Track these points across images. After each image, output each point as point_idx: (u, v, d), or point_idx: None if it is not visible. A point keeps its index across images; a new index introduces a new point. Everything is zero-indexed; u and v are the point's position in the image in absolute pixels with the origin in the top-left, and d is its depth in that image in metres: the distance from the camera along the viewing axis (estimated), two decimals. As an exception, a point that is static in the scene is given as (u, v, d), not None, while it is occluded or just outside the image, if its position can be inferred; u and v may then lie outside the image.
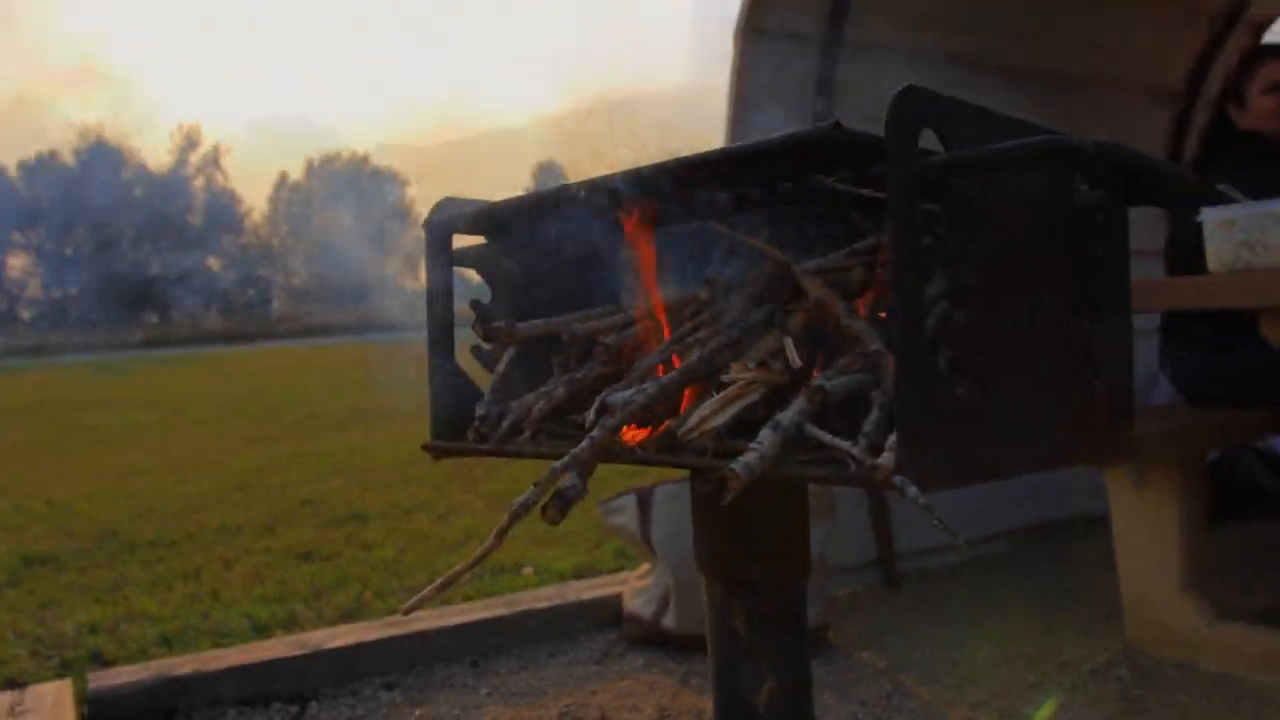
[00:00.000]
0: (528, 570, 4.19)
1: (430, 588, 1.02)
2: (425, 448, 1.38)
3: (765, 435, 0.92)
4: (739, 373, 1.01)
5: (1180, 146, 4.56)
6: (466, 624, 3.36)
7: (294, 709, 2.95)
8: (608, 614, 3.54)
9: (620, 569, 4.12)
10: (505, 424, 1.22)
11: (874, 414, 0.95)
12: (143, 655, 3.41)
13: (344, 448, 8.43)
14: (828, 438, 0.92)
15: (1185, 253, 3.09)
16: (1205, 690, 2.73)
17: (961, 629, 3.33)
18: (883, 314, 1.09)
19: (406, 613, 0.97)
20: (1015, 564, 3.96)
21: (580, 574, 4.03)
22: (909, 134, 0.88)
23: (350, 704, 3.01)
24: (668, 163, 1.02)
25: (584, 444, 1.01)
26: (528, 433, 1.17)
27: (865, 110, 3.13)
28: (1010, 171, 0.93)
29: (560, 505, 1.00)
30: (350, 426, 9.90)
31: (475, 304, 1.39)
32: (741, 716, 1.24)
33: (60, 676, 3.23)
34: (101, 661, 3.40)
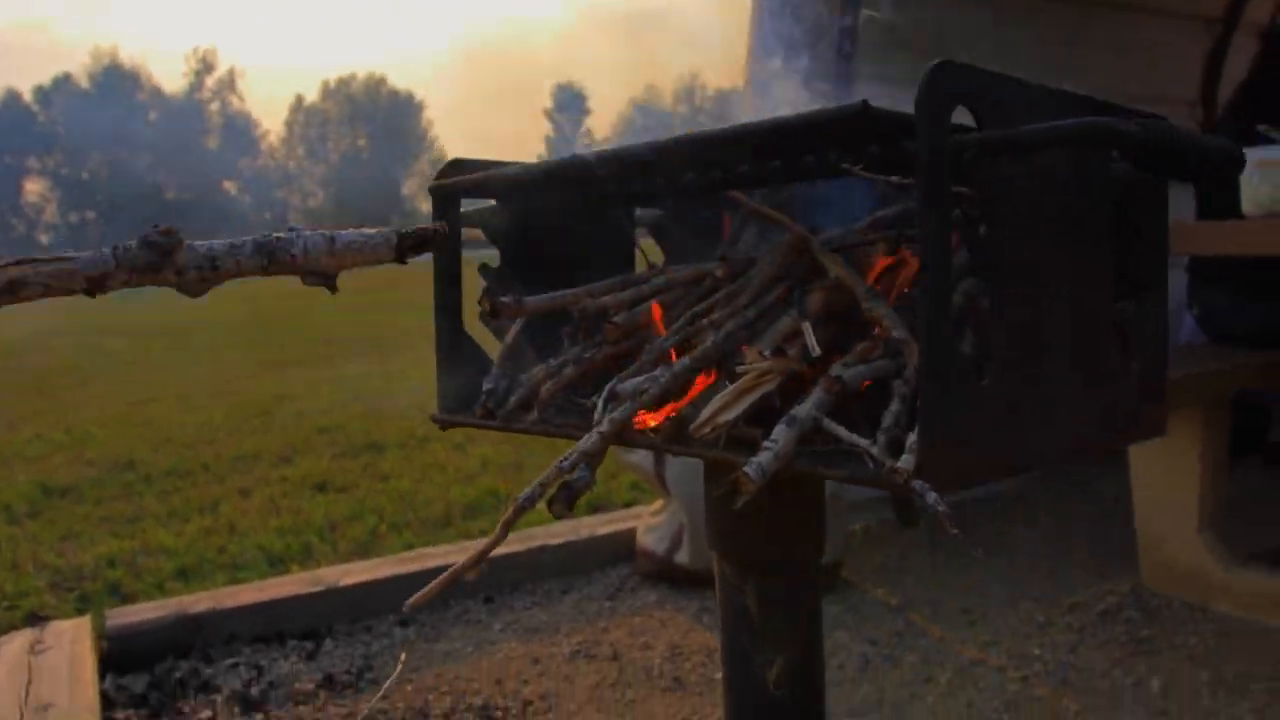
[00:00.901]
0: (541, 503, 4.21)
1: (434, 583, 1.00)
2: (433, 419, 1.35)
3: (780, 432, 0.88)
4: (754, 360, 0.97)
5: (1218, 71, 4.45)
6: (480, 560, 3.37)
7: (309, 645, 2.98)
8: (621, 549, 3.56)
9: (634, 503, 4.13)
10: (513, 400, 1.19)
11: (894, 405, 0.91)
12: (159, 590, 3.46)
13: (360, 374, 8.45)
14: (845, 434, 0.88)
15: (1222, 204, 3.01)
16: (1215, 633, 2.73)
17: (974, 567, 3.33)
18: (907, 289, 1.04)
19: (410, 609, 0.95)
20: (1031, 500, 3.95)
21: (595, 508, 4.04)
22: (940, 113, 0.82)
23: (365, 640, 3.04)
24: (679, 139, 0.96)
25: (591, 436, 0.98)
26: (536, 413, 1.13)
27: (896, 42, 3.05)
28: (1047, 153, 0.87)
29: (567, 498, 0.97)
30: (367, 353, 9.91)
31: (484, 269, 1.35)
32: (751, 694, 1.22)
33: (79, 610, 3.28)
34: (120, 595, 3.44)
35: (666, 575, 3.36)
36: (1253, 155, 2.45)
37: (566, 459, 0.98)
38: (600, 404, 1.00)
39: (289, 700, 2.63)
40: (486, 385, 1.25)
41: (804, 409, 0.91)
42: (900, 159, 0.95)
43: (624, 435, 1.00)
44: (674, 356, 1.03)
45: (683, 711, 2.50)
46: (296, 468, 5.14)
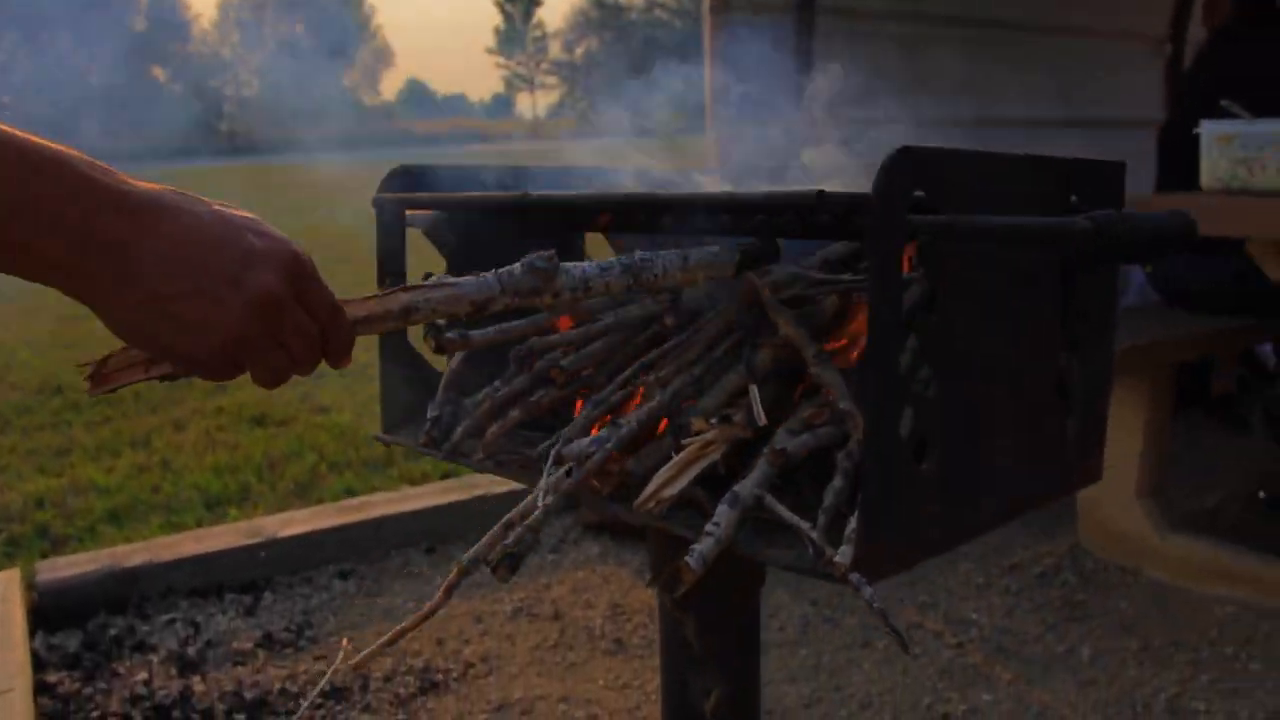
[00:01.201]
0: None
1: (378, 643, 1.02)
2: (375, 438, 1.35)
3: (722, 514, 0.90)
4: (700, 428, 0.98)
5: (1188, 7, 4.53)
6: (421, 510, 3.40)
7: (247, 600, 3.00)
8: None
9: (578, 446, 4.17)
10: (459, 431, 1.19)
11: (837, 481, 0.93)
12: (91, 534, 3.44)
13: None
14: (786, 514, 0.90)
15: (1177, 145, 3.04)
16: (1146, 599, 2.85)
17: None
18: (854, 355, 1.06)
19: (355, 668, 0.96)
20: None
21: (538, 451, 4.07)
22: (895, 209, 0.83)
23: (305, 593, 3.07)
24: (630, 198, 0.95)
25: (536, 511, 0.99)
26: (481, 454, 1.14)
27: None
28: (1003, 245, 0.88)
29: (510, 564, 0.98)
30: (302, 263, 9.73)
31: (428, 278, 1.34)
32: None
33: (7, 554, 3.27)
34: (49, 539, 3.42)
35: (609, 526, 3.42)
36: (1211, 130, 2.48)
37: (510, 524, 0.99)
38: (546, 467, 1.01)
39: (227, 660, 2.66)
40: (431, 413, 1.25)
41: (746, 486, 0.93)
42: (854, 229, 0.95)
43: (569, 494, 1.01)
44: (624, 409, 1.03)
45: (624, 676, 2.58)
46: (232, 397, 5.10)
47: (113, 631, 2.78)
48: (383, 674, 2.60)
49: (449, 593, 1.00)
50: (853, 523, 0.89)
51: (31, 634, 2.73)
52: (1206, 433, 4.06)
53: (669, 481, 0.95)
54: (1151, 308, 3.33)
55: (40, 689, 2.47)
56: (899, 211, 0.83)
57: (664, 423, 1.05)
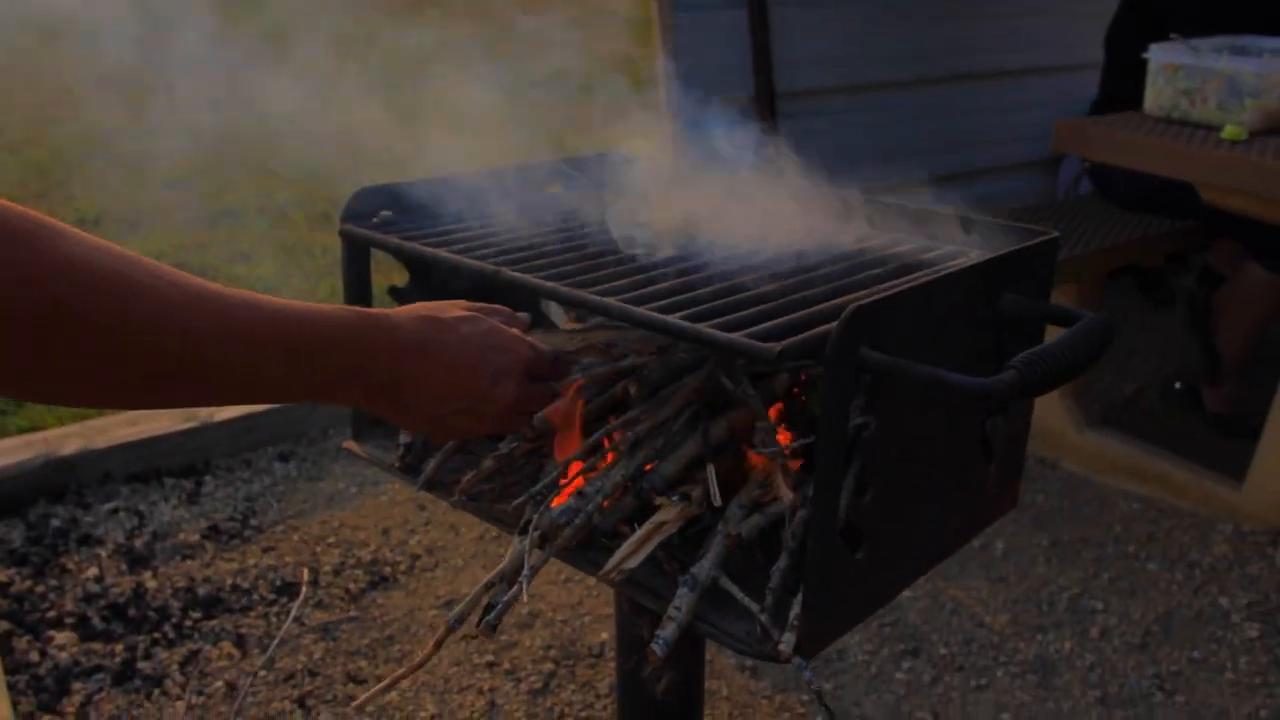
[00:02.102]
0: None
1: (376, 688, 1.20)
2: (345, 447, 1.50)
3: (682, 596, 1.09)
4: (661, 503, 1.15)
5: None
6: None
7: (188, 485, 3.18)
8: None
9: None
10: (431, 464, 1.35)
11: (782, 562, 1.12)
12: (16, 404, 3.54)
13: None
14: (740, 596, 1.10)
15: (1122, 49, 3.15)
16: (1061, 492, 3.18)
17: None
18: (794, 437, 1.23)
19: (356, 709, 1.16)
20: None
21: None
22: (846, 369, 0.98)
23: (245, 477, 3.26)
24: (595, 303, 1.09)
25: (509, 559, 1.17)
26: (457, 495, 1.31)
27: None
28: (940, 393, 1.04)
29: (492, 621, 1.17)
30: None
31: (392, 291, 1.46)
32: (642, 702, 1.50)
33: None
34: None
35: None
36: (1159, 57, 2.60)
37: (490, 580, 1.18)
38: (518, 534, 1.19)
39: (175, 554, 2.86)
40: (403, 439, 1.40)
41: (704, 568, 1.12)
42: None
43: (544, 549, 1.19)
44: (585, 471, 1.20)
45: (566, 570, 2.84)
46: (147, 242, 5.09)
47: (55, 523, 2.95)
48: (331, 565, 2.83)
49: (438, 647, 1.19)
50: (795, 606, 1.09)
51: (-28, 525, 2.89)
52: (1134, 309, 4.35)
53: (630, 555, 1.13)
54: (1087, 200, 3.52)
55: (-8, 588, 2.66)
56: (849, 366, 0.99)
57: (627, 485, 1.23)
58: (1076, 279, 3.06)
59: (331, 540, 2.95)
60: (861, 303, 0.98)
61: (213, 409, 3.35)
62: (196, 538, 2.93)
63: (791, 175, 1.50)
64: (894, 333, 1.03)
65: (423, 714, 2.32)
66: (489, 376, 1.00)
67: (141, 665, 2.43)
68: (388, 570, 2.83)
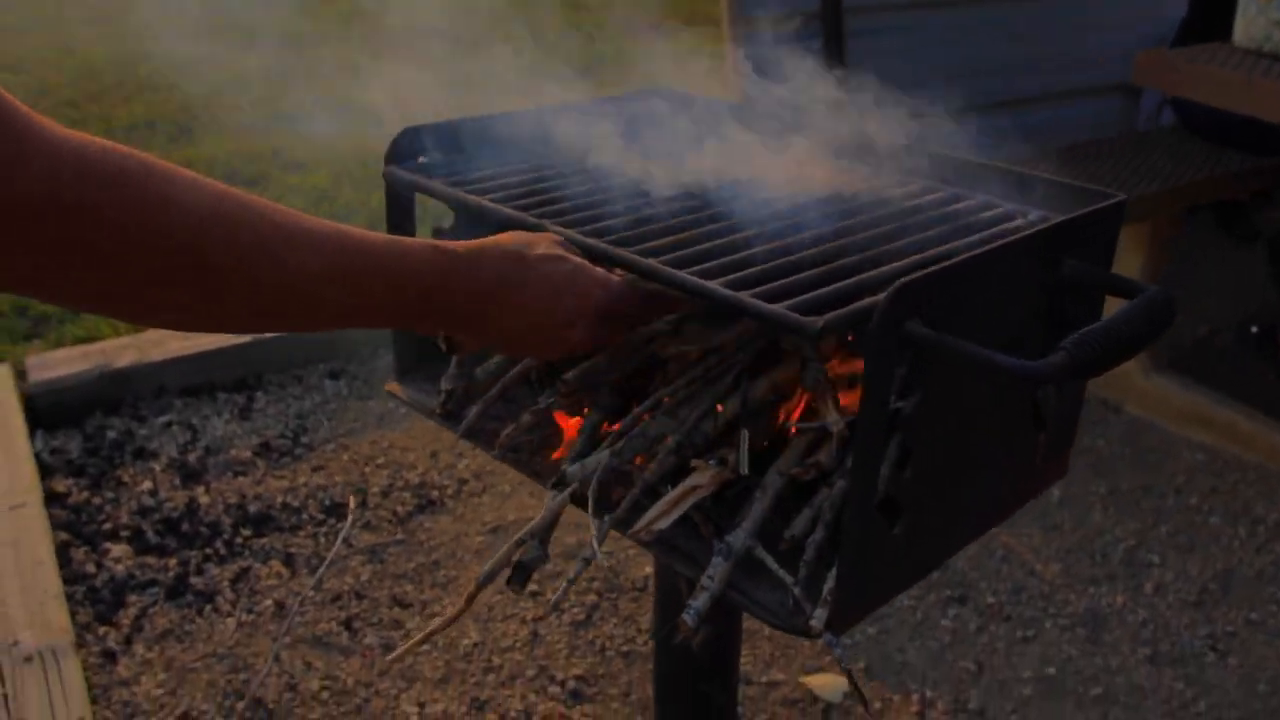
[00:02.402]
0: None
1: (411, 642, 1.23)
2: (389, 391, 1.52)
3: (716, 565, 1.09)
4: (696, 465, 1.16)
5: None
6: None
7: (240, 400, 3.25)
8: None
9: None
10: (473, 412, 1.37)
11: (818, 534, 1.12)
12: (73, 314, 3.64)
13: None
14: (775, 567, 1.10)
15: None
16: (1123, 438, 3.13)
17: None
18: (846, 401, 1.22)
19: (390, 663, 1.20)
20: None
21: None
22: (888, 347, 0.97)
23: (296, 394, 3.32)
24: (659, 276, 1.09)
25: (542, 515, 1.19)
26: (496, 449, 1.32)
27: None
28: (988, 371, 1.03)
29: (521, 578, 1.19)
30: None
31: (438, 235, 1.46)
32: (680, 653, 1.53)
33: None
34: (29, 318, 3.62)
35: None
36: (1260, -16, 2.49)
37: (520, 535, 1.20)
38: (551, 488, 1.20)
39: (228, 470, 2.94)
40: (445, 385, 1.42)
41: (739, 538, 1.12)
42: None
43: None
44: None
45: (612, 501, 2.88)
46: (200, 148, 5.14)
47: (111, 435, 3.04)
48: (380, 487, 2.90)
49: (470, 602, 1.21)
50: (829, 580, 1.09)
51: (30, 434, 2.99)
52: (1213, 244, 4.22)
53: (661, 515, 1.14)
54: (1169, 131, 3.40)
55: (50, 498, 2.76)
56: (892, 342, 0.98)
57: (666, 439, 1.23)
58: (1153, 215, 2.97)
59: (380, 461, 3.01)
60: (908, 278, 0.97)
61: (265, 325, 3.40)
62: (248, 454, 3.01)
63: (850, 113, 1.47)
64: (943, 306, 1.01)
65: (466, 641, 2.38)
66: (562, 318, 1.07)
67: (194, 581, 2.52)
68: (435, 494, 2.88)
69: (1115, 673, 2.34)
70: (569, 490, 1.20)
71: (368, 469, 2.97)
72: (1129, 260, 3.09)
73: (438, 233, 1.50)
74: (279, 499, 2.82)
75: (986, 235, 1.22)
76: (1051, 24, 3.79)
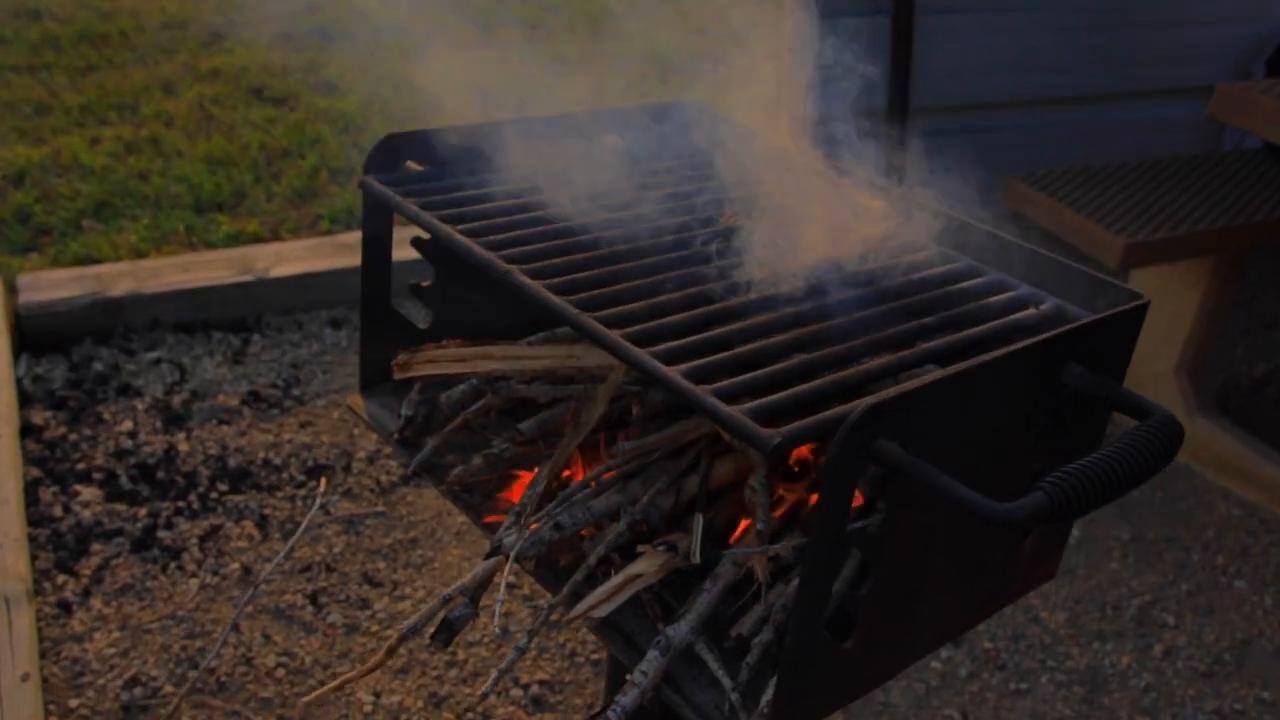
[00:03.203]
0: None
1: (325, 688, 1.23)
2: (349, 408, 1.51)
3: (652, 661, 1.08)
4: (645, 554, 1.14)
5: None
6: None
7: (235, 342, 3.26)
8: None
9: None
10: (429, 445, 1.36)
11: (765, 635, 1.10)
12: (75, 228, 3.66)
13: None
14: (716, 667, 1.09)
15: None
16: (1154, 480, 3.08)
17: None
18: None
19: (308, 704, 1.20)
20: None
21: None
22: (850, 469, 0.95)
23: (294, 340, 3.33)
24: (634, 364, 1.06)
25: (474, 574, 1.18)
26: (445, 485, 1.31)
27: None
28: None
29: (446, 636, 1.19)
30: None
31: (415, 291, 1.45)
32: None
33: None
34: (30, 227, 3.64)
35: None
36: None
37: (449, 594, 1.19)
38: (486, 556, 1.19)
39: (212, 417, 2.96)
40: (405, 411, 1.40)
41: (680, 631, 1.11)
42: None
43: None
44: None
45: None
46: (231, 57, 5.12)
47: (98, 366, 3.06)
48: (366, 454, 2.91)
49: (390, 653, 1.21)
50: (769, 690, 1.08)
51: (15, 355, 3.02)
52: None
53: (601, 603, 1.13)
54: (1253, 156, 3.29)
55: (27, 430, 2.79)
56: (854, 465, 0.95)
57: (615, 517, 1.22)
58: (1222, 250, 2.89)
59: (371, 423, 3.02)
60: (880, 399, 0.94)
61: (269, 264, 3.41)
62: (236, 402, 3.02)
63: (872, 164, 1.43)
64: (920, 423, 0.98)
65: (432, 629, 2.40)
66: None
67: (162, 535, 2.55)
68: (423, 465, 2.89)
69: (1108, 741, 2.32)
70: (499, 559, 1.19)
71: (356, 431, 2.98)
72: (1188, 295, 3.01)
73: (416, 291, 1.48)
74: (261, 454, 2.84)
75: (985, 332, 1.18)
76: (1139, 14, 3.67)
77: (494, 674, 1.11)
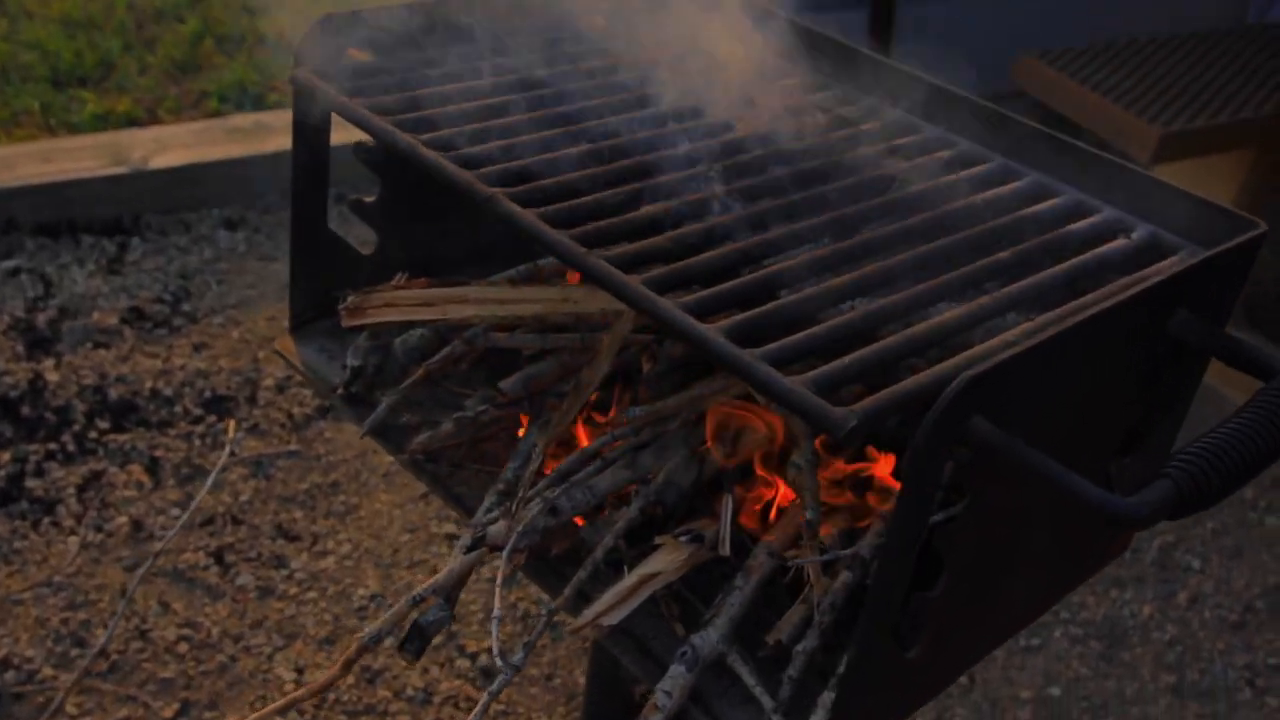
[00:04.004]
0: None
1: (266, 709, 1.13)
2: (278, 353, 1.39)
3: (677, 677, 0.99)
4: (664, 546, 1.05)
5: None
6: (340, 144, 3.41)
7: (110, 247, 3.08)
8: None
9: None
10: (384, 404, 1.25)
11: (809, 642, 1.02)
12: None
13: None
14: (751, 681, 1.01)
15: None
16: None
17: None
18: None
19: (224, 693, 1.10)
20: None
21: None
22: (944, 445, 0.86)
23: (181, 245, 3.16)
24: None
25: (448, 570, 1.09)
26: (407, 454, 1.21)
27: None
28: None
29: (418, 645, 1.09)
30: None
31: (355, 207, 1.32)
32: (619, 703, 1.46)
33: None
34: None
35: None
36: None
37: (420, 594, 1.09)
38: (463, 550, 1.10)
39: (86, 339, 2.79)
40: (351, 360, 1.29)
41: (709, 639, 1.02)
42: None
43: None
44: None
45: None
46: None
47: (-57, 279, 2.88)
48: (275, 382, 2.78)
49: (347, 667, 1.11)
50: (820, 711, 1.00)
51: None
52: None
53: (613, 607, 1.04)
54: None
55: None
56: (945, 447, 0.86)
57: (628, 490, 1.12)
58: (1261, 144, 2.84)
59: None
60: (979, 370, 0.84)
61: (148, 152, 3.22)
62: (114, 320, 2.86)
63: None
64: (1011, 394, 0.89)
65: (361, 591, 2.31)
66: None
67: (32, 484, 2.41)
68: (341, 394, 2.77)
69: (1130, 702, 2.32)
70: (482, 551, 1.10)
71: (263, 354, 2.84)
72: (1221, 189, 2.96)
73: (357, 207, 1.36)
74: (148, 384, 2.70)
75: (1071, 271, 1.09)
76: None
77: (483, 698, 1.02)
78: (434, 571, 2.34)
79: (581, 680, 2.19)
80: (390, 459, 2.57)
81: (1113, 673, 2.37)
